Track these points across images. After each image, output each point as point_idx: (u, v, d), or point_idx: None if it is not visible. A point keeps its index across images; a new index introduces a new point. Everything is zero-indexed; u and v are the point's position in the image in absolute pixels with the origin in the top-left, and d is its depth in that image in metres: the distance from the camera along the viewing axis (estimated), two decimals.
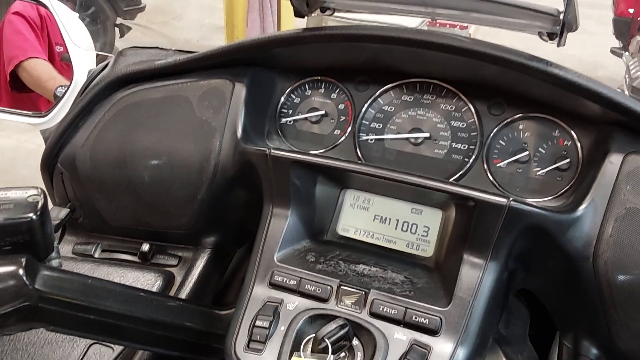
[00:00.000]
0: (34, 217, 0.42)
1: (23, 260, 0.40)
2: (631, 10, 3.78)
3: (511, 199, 0.48)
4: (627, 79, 2.88)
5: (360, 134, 0.62)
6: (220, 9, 3.04)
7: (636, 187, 0.49)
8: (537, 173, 0.57)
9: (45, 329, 0.43)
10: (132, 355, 0.58)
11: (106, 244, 0.68)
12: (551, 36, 0.55)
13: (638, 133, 0.52)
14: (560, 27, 0.52)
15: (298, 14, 0.61)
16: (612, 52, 3.70)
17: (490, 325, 0.50)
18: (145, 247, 0.66)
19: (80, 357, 0.58)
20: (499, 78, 0.56)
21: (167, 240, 0.66)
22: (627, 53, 3.22)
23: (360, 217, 0.57)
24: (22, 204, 0.42)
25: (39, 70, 1.05)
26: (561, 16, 0.51)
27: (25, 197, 0.43)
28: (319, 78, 0.64)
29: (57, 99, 0.73)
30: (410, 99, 0.61)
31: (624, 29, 3.80)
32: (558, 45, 0.54)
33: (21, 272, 0.39)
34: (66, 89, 0.71)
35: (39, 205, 0.42)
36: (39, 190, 0.44)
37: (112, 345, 0.58)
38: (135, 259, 0.67)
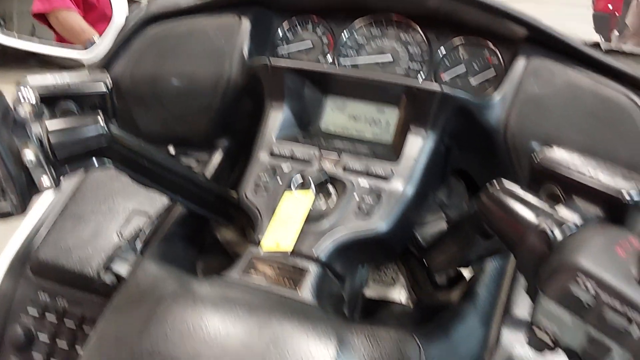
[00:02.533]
0: (106, 89, 0.60)
1: (100, 113, 0.57)
2: (610, 6, 3.99)
3: (444, 88, 0.67)
4: None
5: (340, 59, 0.81)
6: None
7: (536, 80, 0.68)
8: (472, 84, 0.75)
9: (113, 166, 0.60)
10: (163, 222, 0.75)
11: None
12: None
13: (543, 45, 0.70)
14: None
15: None
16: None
17: (431, 182, 0.68)
18: (172, 149, 0.84)
19: (123, 223, 0.76)
20: (442, 9, 0.75)
21: (188, 145, 0.85)
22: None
23: (339, 117, 0.76)
24: (96, 79, 0.60)
25: (70, 21, 1.22)
26: None
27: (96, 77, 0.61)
28: (306, 16, 0.83)
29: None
30: (377, 30, 0.80)
31: (603, 24, 4.01)
32: None
33: (100, 118, 0.57)
34: (107, 29, 0.90)
35: (108, 82, 0.61)
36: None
37: (150, 214, 0.76)
38: None
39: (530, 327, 0.43)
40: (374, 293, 0.76)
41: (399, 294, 0.77)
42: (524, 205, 0.45)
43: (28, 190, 0.49)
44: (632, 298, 0.37)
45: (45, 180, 0.50)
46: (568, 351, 0.41)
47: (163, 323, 0.52)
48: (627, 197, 0.43)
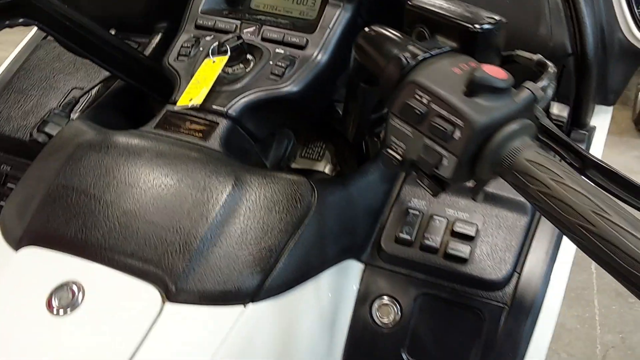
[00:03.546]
0: None
1: None
2: None
3: None
4: None
5: None
6: None
7: None
8: None
9: (38, 27, 0.63)
10: (99, 96, 0.79)
11: None
12: None
13: None
14: None
15: None
16: None
17: (347, 53, 0.72)
18: (113, 31, 0.87)
19: (62, 98, 0.80)
20: None
21: (129, 29, 0.88)
22: None
23: None
24: None
25: None
26: None
27: None
28: None
29: None
30: None
31: None
32: None
33: None
34: None
35: None
36: None
37: (89, 91, 0.80)
38: None
39: (383, 150, 0.48)
40: (300, 166, 0.82)
41: (324, 168, 0.82)
42: (389, 41, 0.49)
43: None
44: (456, 105, 0.41)
45: None
46: (411, 164, 0.46)
47: (77, 163, 0.57)
48: (477, 27, 0.47)
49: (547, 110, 0.49)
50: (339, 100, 0.76)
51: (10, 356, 0.48)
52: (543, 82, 0.45)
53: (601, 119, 0.75)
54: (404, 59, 0.46)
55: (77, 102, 0.76)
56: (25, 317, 0.50)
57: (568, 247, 0.65)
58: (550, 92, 0.45)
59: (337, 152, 0.83)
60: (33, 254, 0.53)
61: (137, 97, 0.79)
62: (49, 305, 0.50)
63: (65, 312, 0.49)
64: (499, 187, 0.67)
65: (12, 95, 0.81)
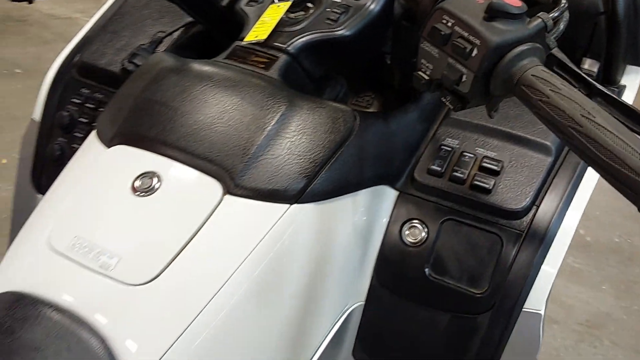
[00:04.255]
0: None
1: None
2: None
3: None
4: None
5: None
6: None
7: None
8: None
9: None
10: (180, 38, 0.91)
11: None
12: None
13: None
14: None
15: None
16: None
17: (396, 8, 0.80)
18: None
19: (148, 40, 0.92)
20: None
21: None
22: None
23: None
24: None
25: None
26: None
27: None
28: None
29: None
30: None
31: None
32: None
33: None
34: None
35: None
36: None
37: (172, 33, 0.92)
38: None
39: (414, 73, 0.56)
40: None
41: None
42: None
43: None
44: (475, 27, 0.49)
45: None
46: (436, 84, 0.54)
47: (160, 81, 0.69)
48: None
49: (562, 47, 0.55)
50: (387, 52, 0.85)
51: (102, 222, 0.60)
52: (555, 14, 0.51)
53: (631, 78, 0.80)
54: None
55: (161, 41, 0.88)
56: (114, 195, 0.61)
57: (584, 190, 0.71)
58: (561, 25, 0.52)
59: (385, 102, 0.91)
60: (122, 150, 0.65)
61: (212, 40, 0.89)
62: (133, 188, 0.61)
63: (144, 194, 0.61)
64: (526, 130, 0.73)
65: (107, 35, 0.94)
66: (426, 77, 0.54)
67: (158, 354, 0.54)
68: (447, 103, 0.54)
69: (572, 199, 0.70)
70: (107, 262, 0.57)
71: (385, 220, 0.73)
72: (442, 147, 0.74)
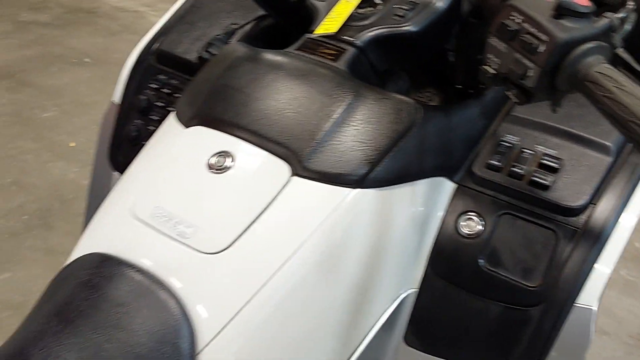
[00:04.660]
0: None
1: None
2: None
3: None
4: None
5: None
6: None
7: None
8: None
9: None
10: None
11: None
12: None
13: None
14: None
15: None
16: None
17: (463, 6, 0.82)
18: None
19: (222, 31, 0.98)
20: None
21: None
22: None
23: None
24: None
25: None
26: None
27: None
28: None
29: None
30: None
31: None
32: None
33: None
34: None
35: None
36: None
37: (245, 25, 0.97)
38: None
39: (481, 67, 0.59)
40: None
41: None
42: None
43: None
44: (543, 23, 0.51)
45: None
46: (502, 77, 0.57)
47: (235, 69, 0.73)
48: None
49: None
50: (450, 49, 0.87)
51: (180, 195, 0.65)
52: (621, 14, 0.53)
53: None
54: None
55: (234, 33, 0.93)
56: (192, 171, 0.67)
57: None
58: (628, 25, 0.53)
59: (445, 98, 0.93)
60: (199, 130, 0.70)
61: (281, 33, 0.94)
62: (209, 165, 0.66)
63: (219, 172, 0.66)
64: (587, 130, 0.74)
65: (184, 25, 1.00)
66: (492, 71, 0.57)
67: (227, 318, 0.58)
68: (512, 97, 0.56)
69: (629, 199, 0.71)
70: (184, 230, 0.62)
71: (442, 211, 0.75)
72: (502, 143, 0.76)
